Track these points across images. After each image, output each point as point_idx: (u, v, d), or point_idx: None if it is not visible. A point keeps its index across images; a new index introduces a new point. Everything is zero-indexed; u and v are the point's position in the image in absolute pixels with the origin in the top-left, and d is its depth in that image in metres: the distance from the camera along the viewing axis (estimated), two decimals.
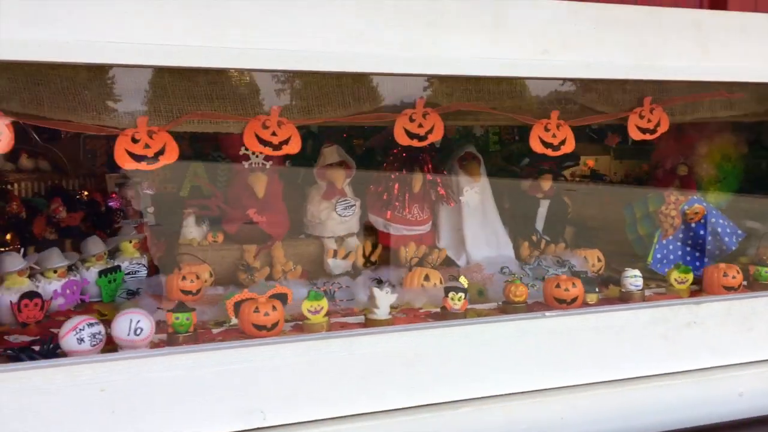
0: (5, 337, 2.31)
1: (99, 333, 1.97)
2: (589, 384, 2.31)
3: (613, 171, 4.22)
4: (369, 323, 2.39)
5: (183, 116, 2.24)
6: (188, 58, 1.88)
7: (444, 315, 2.46)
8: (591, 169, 4.02)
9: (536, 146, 2.66)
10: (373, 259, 3.19)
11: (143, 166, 2.20)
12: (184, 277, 2.68)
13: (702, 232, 3.26)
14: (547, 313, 2.32)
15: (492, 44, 2.09)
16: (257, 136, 2.33)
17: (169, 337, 2.19)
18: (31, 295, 2.41)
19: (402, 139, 2.53)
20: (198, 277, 2.72)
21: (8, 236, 2.54)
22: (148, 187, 3.33)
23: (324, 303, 2.35)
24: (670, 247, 3.33)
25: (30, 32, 1.76)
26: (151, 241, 3.13)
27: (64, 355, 1.99)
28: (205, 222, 3.15)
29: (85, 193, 3.09)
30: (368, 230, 3.28)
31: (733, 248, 3.24)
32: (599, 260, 3.28)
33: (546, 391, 2.27)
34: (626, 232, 3.52)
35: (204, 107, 2.27)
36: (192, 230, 3.09)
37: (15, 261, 2.45)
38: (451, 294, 2.45)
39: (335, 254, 3.09)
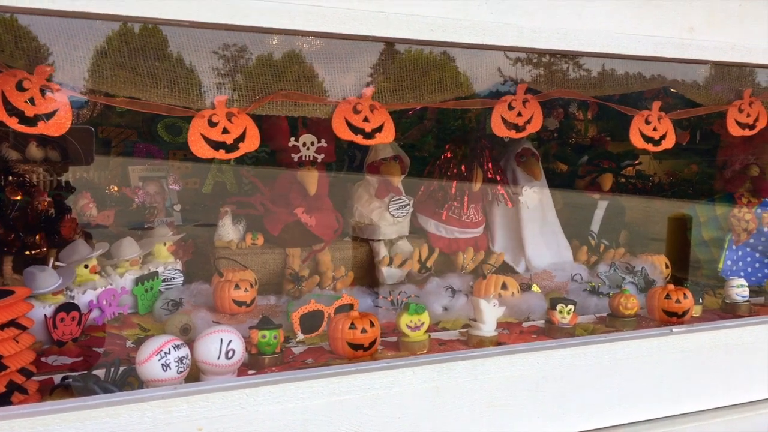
0: (42, 359, 1.91)
1: (186, 357, 1.61)
2: (721, 408, 2.05)
3: (653, 171, 4.00)
4: (472, 340, 2.07)
5: (266, 97, 1.89)
6: None
7: (551, 330, 2.17)
8: (637, 170, 3.78)
9: (636, 140, 2.39)
10: (428, 264, 2.88)
11: (221, 154, 1.84)
12: (237, 286, 2.32)
13: None
14: (674, 329, 2.05)
15: (636, 18, 1.80)
16: (347, 122, 2.00)
17: (252, 360, 1.84)
18: (67, 307, 2.02)
19: (499, 130, 2.22)
20: (252, 286, 2.37)
21: (38, 237, 2.12)
22: (174, 182, 2.94)
23: (426, 317, 2.03)
24: (740, 253, 3.11)
25: None
26: (178, 244, 2.74)
27: (135, 384, 1.63)
28: (241, 222, 2.79)
29: (115, 188, 2.67)
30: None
31: None
32: (667, 266, 3.04)
33: (677, 418, 1.99)
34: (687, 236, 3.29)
35: (289, 87, 1.92)
36: (229, 231, 2.73)
37: (49, 279, 2.04)
38: (559, 307, 2.16)
39: (390, 262, 2.77)
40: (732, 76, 2.49)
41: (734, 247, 3.09)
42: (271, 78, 1.90)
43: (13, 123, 1.63)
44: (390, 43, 1.98)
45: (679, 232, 3.37)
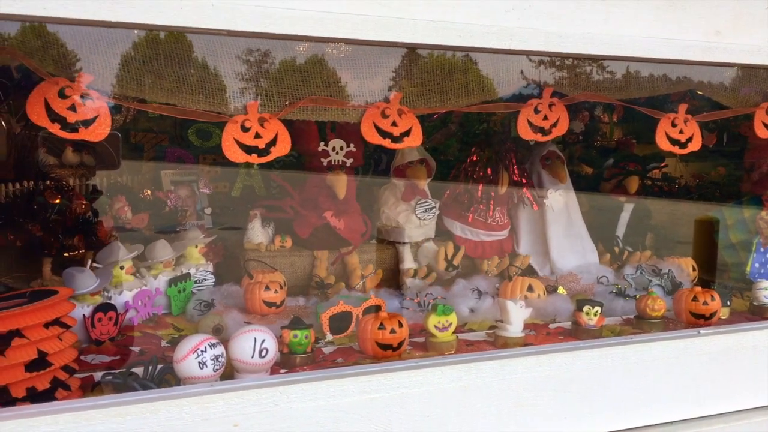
0: (81, 357, 1.97)
1: (221, 355, 1.65)
2: (747, 410, 2.05)
3: (679, 174, 3.99)
4: (499, 341, 2.10)
5: (297, 102, 1.94)
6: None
7: (578, 332, 2.19)
8: (663, 173, 3.77)
9: (663, 143, 2.41)
10: (455, 262, 2.89)
11: (254, 158, 1.89)
12: (267, 287, 2.37)
13: None
14: (702, 331, 2.06)
15: (662, 22, 1.82)
16: (376, 126, 2.04)
17: (284, 359, 1.88)
18: (105, 308, 2.08)
19: (526, 133, 2.25)
20: (281, 287, 2.42)
21: (76, 239, 2.19)
22: (205, 185, 3.00)
23: (453, 318, 2.06)
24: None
25: None
26: (209, 246, 2.79)
27: (172, 381, 1.68)
28: (270, 225, 2.84)
29: (148, 191, 2.74)
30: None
31: None
32: (694, 269, 3.04)
33: (703, 420, 2.00)
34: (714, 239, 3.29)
35: (318, 93, 1.97)
36: (258, 234, 2.78)
37: (87, 280, 2.10)
38: (586, 308, 2.18)
39: (415, 274, 2.80)
40: (759, 78, 2.49)
41: (762, 249, 3.08)
42: (301, 83, 1.95)
43: (55, 129, 1.69)
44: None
45: (705, 235, 3.36)
